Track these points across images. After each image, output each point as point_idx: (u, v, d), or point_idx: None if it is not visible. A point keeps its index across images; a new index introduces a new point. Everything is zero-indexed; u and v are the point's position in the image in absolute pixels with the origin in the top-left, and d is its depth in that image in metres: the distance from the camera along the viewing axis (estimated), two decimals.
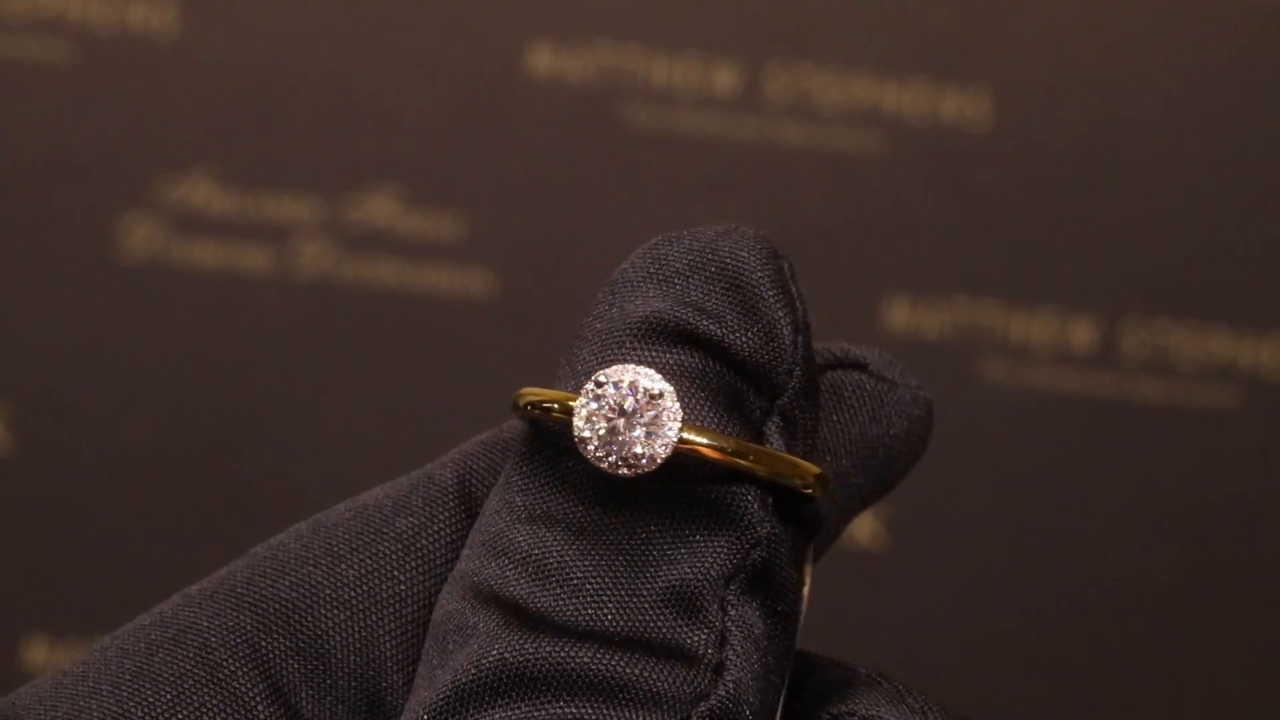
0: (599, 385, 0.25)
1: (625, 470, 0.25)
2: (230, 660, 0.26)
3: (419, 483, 0.27)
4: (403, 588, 0.26)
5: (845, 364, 0.28)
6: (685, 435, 0.25)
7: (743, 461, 0.25)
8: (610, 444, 0.25)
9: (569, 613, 0.24)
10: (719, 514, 0.25)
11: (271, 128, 0.74)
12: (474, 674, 0.24)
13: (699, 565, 0.25)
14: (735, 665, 0.24)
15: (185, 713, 0.25)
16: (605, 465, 0.25)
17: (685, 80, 0.74)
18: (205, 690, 0.25)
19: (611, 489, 0.25)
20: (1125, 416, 0.74)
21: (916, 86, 0.74)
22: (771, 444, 0.26)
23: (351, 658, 0.26)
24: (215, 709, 0.25)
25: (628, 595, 0.24)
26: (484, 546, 0.25)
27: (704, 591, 0.24)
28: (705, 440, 0.25)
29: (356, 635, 0.26)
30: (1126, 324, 0.74)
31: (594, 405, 0.25)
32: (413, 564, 0.27)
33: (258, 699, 0.26)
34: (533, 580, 0.25)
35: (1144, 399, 0.74)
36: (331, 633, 0.26)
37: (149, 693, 0.25)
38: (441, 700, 0.24)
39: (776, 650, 0.25)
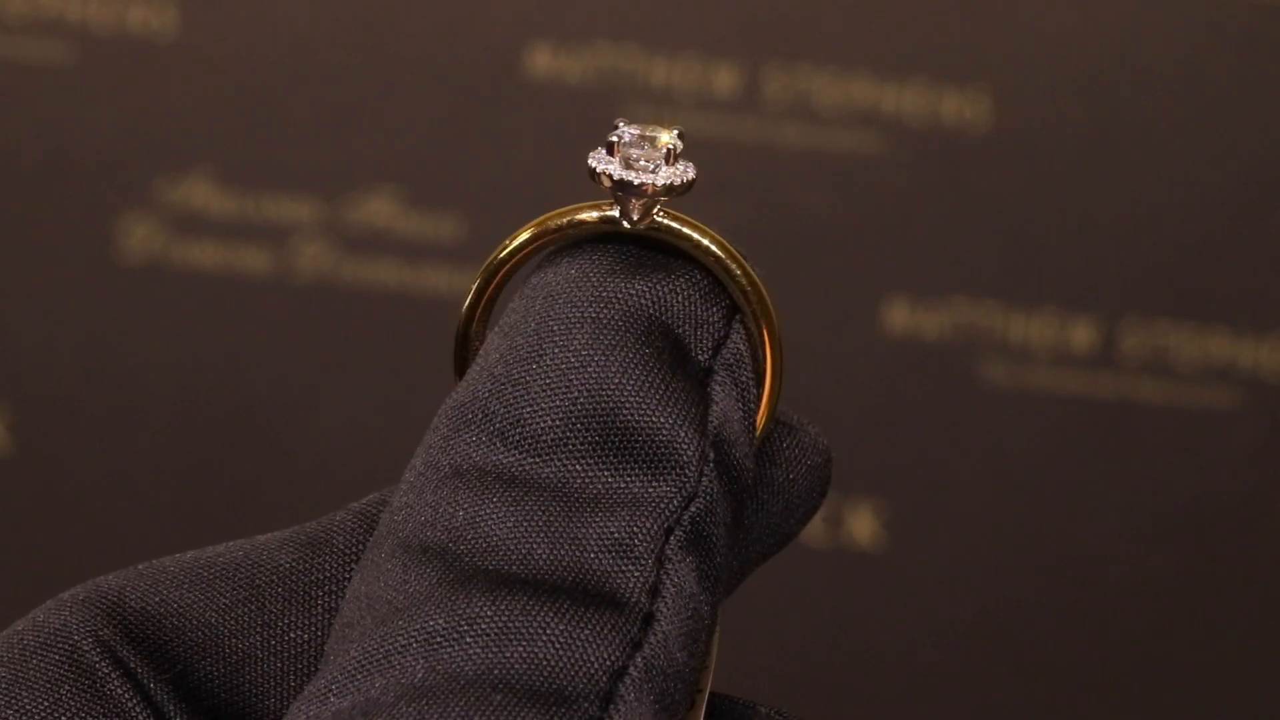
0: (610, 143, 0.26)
1: (641, 178, 0.26)
2: (102, 664, 0.26)
3: (310, 527, 0.27)
4: (274, 616, 0.26)
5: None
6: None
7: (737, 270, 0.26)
8: (629, 168, 0.26)
9: (500, 554, 0.24)
10: (658, 460, 0.25)
11: (271, 128, 0.74)
12: (404, 630, 0.23)
13: (635, 511, 0.24)
14: (665, 618, 0.24)
15: (63, 718, 0.25)
16: (628, 176, 0.26)
17: (684, 81, 0.74)
18: (80, 697, 0.25)
19: (547, 438, 0.25)
20: (1125, 417, 0.74)
21: (916, 87, 0.74)
22: (718, 407, 0.25)
23: (216, 681, 0.26)
24: (92, 714, 0.25)
25: (560, 533, 0.24)
26: (411, 501, 0.25)
27: (639, 538, 0.24)
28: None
29: (222, 659, 0.26)
30: (1126, 325, 0.74)
31: (614, 143, 0.26)
32: (287, 596, 0.26)
33: (134, 701, 0.25)
34: (464, 527, 0.24)
35: (1144, 400, 0.74)
36: (194, 654, 0.26)
37: (26, 700, 0.25)
38: (370, 660, 0.23)
39: (704, 612, 0.24)
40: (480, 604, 0.23)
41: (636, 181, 0.26)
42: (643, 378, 0.25)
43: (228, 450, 0.73)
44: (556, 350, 0.25)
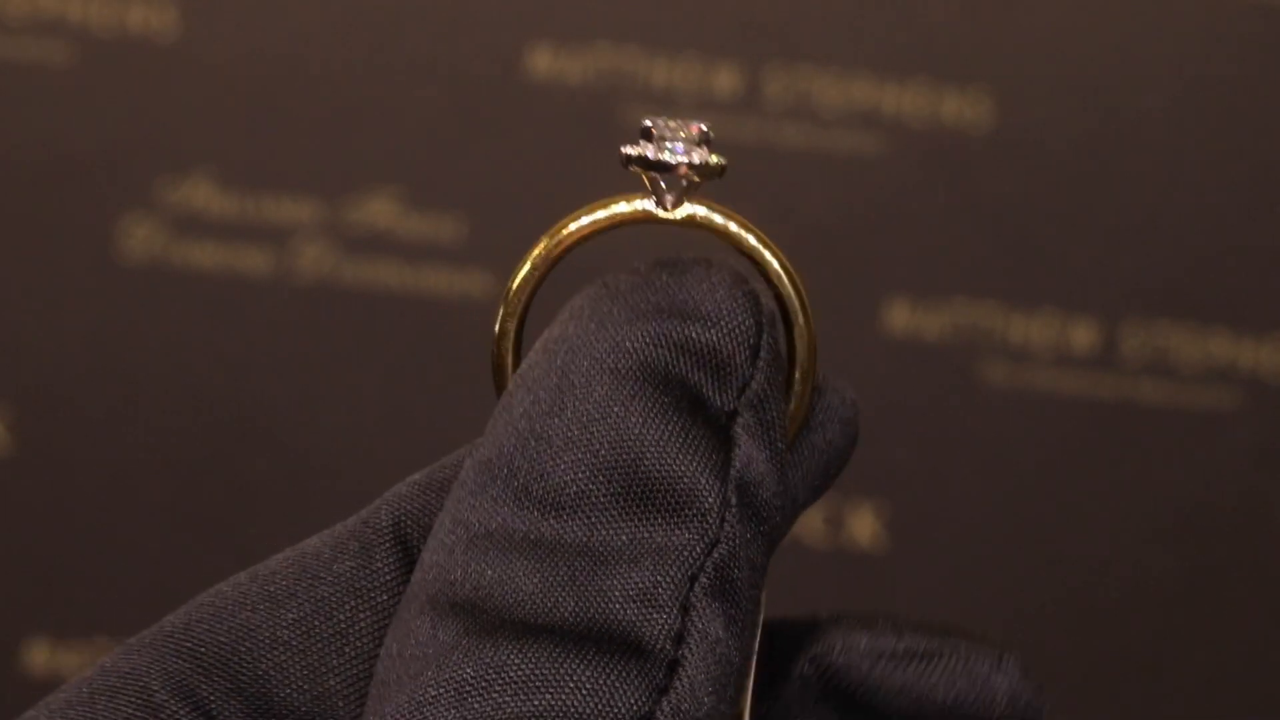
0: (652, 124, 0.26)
1: (681, 158, 0.26)
2: (170, 702, 0.26)
3: (354, 528, 0.27)
4: (344, 625, 0.26)
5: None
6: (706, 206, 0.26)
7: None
8: (663, 149, 0.26)
9: (527, 607, 0.24)
10: (680, 508, 0.25)
11: (271, 129, 0.74)
12: (434, 682, 0.24)
13: (659, 560, 0.24)
14: (691, 664, 0.24)
15: None
16: (663, 154, 0.26)
17: (685, 82, 0.74)
18: None
19: (570, 493, 0.25)
20: (1125, 418, 0.74)
21: (916, 88, 0.74)
22: (742, 449, 0.26)
23: (296, 696, 0.26)
24: None
25: (585, 586, 0.24)
26: (441, 560, 0.25)
27: (664, 587, 0.24)
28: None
29: (300, 673, 0.26)
30: (1127, 326, 0.74)
31: (653, 133, 0.26)
32: (353, 603, 0.27)
33: None
34: (492, 585, 0.24)
35: (1144, 401, 0.74)
36: (273, 673, 0.26)
37: None
38: (400, 712, 0.24)
39: (733, 657, 0.25)
40: (508, 653, 0.24)
41: (672, 161, 0.26)
42: (663, 427, 0.25)
43: (228, 450, 0.73)
44: (577, 403, 0.25)
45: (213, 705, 0.26)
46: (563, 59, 0.74)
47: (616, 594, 0.24)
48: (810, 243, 0.73)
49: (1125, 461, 0.74)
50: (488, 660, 0.24)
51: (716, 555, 0.25)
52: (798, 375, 0.27)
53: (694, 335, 0.26)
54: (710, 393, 0.26)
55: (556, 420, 0.25)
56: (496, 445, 0.26)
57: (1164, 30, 0.74)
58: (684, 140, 0.26)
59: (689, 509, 0.25)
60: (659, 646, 0.24)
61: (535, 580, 0.24)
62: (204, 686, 0.26)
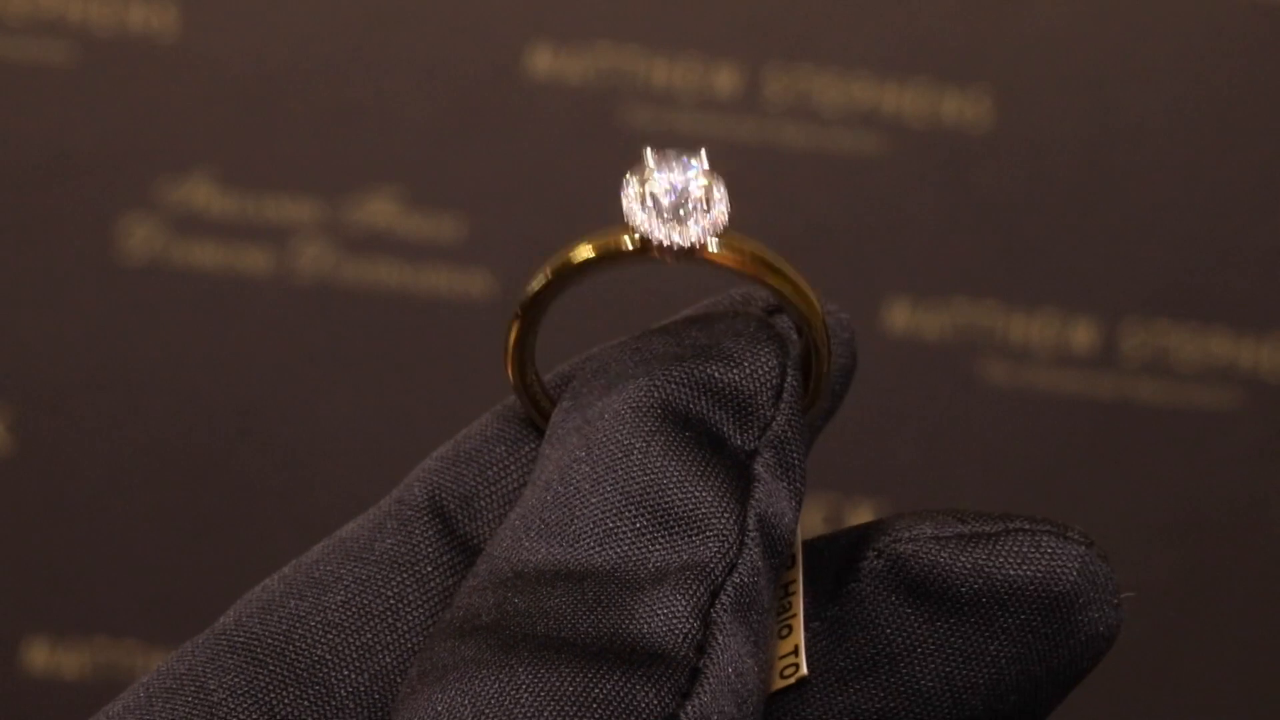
0: (651, 166, 0.25)
1: (678, 238, 0.25)
2: (229, 699, 0.26)
3: (389, 508, 0.28)
4: (393, 601, 0.27)
5: (772, 309, 0.28)
6: (730, 243, 0.26)
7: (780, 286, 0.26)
8: (666, 219, 0.25)
9: (550, 626, 0.24)
10: (702, 533, 0.25)
11: (271, 128, 0.74)
12: (454, 692, 0.24)
13: (682, 579, 0.25)
14: (713, 673, 0.24)
15: None
16: (661, 233, 0.25)
17: (685, 82, 0.74)
18: None
19: (599, 530, 0.25)
20: (1125, 418, 0.74)
21: (916, 87, 0.74)
22: (762, 485, 0.26)
23: (354, 677, 0.26)
24: None
25: (608, 604, 0.24)
26: (473, 602, 0.25)
27: (687, 604, 0.24)
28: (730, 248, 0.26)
29: (354, 654, 0.26)
30: (1127, 325, 0.74)
31: (649, 185, 0.25)
32: (399, 578, 0.27)
33: None
34: (517, 610, 0.25)
35: (1144, 400, 0.74)
36: (328, 657, 0.26)
37: None
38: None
39: (750, 678, 0.25)
40: (529, 664, 0.24)
41: (687, 244, 0.26)
42: (685, 462, 0.25)
43: (228, 450, 0.73)
44: (602, 446, 0.26)
45: (271, 697, 0.26)
46: (563, 59, 0.74)
47: (640, 611, 0.24)
48: (810, 243, 0.73)
49: (1125, 461, 0.74)
50: (508, 671, 0.24)
51: (736, 578, 0.25)
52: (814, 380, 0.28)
53: (716, 375, 0.26)
54: (732, 431, 0.26)
55: (585, 468, 0.26)
56: (530, 503, 0.26)
57: (1164, 30, 0.74)
58: (689, 203, 0.26)
59: (709, 531, 0.25)
60: (681, 654, 0.24)
61: (559, 603, 0.24)
62: (261, 678, 0.26)
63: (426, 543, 0.27)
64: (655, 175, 0.26)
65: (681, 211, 0.26)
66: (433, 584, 0.27)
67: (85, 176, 0.73)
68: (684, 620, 0.24)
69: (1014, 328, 0.74)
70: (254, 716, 0.26)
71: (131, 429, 0.73)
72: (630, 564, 0.25)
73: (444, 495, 0.27)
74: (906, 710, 0.27)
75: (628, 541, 0.25)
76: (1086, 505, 0.74)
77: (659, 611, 0.24)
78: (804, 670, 0.27)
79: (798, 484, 0.26)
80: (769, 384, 0.26)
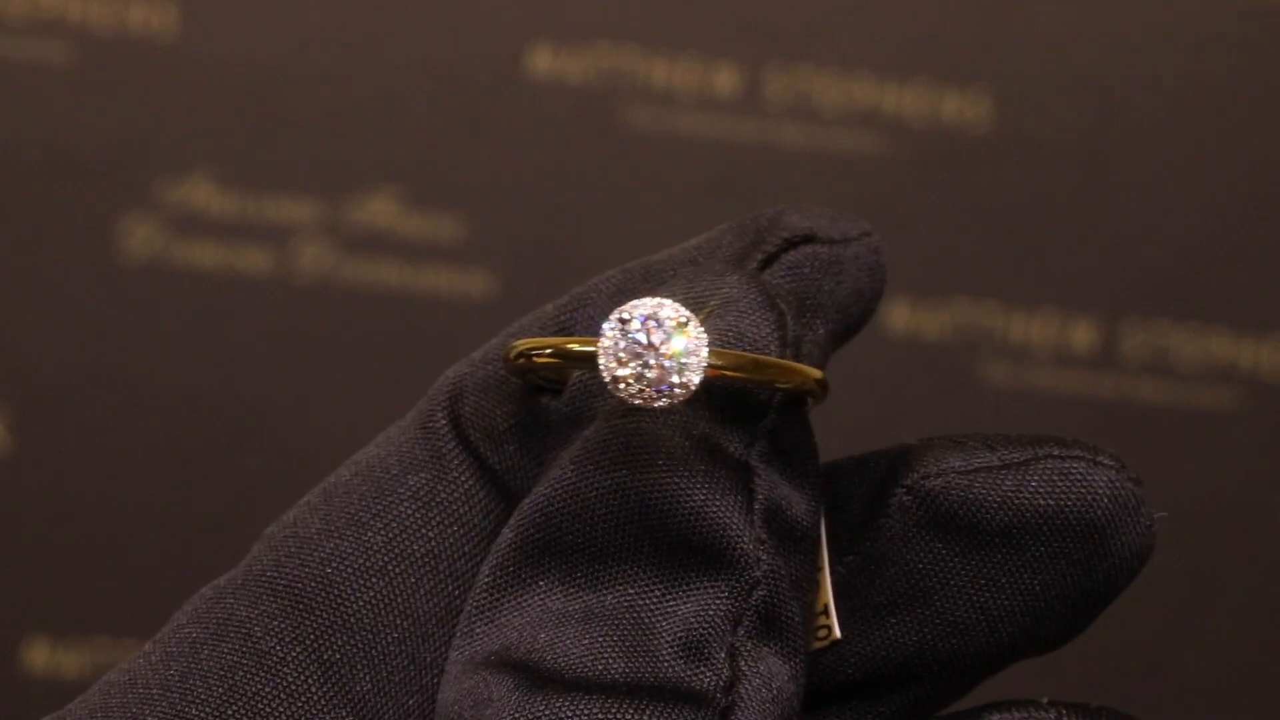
0: (623, 321, 0.25)
1: (662, 401, 0.25)
2: (278, 647, 0.26)
3: (415, 435, 0.27)
4: (433, 544, 0.26)
5: (794, 241, 0.28)
6: (713, 362, 0.25)
7: (758, 376, 0.25)
8: (641, 377, 0.25)
9: (577, 668, 0.24)
10: (715, 558, 0.25)
11: (271, 129, 0.74)
12: None
13: (702, 613, 0.24)
14: (744, 707, 0.24)
15: (239, 706, 0.25)
16: (639, 400, 0.25)
17: (685, 82, 0.74)
18: (257, 680, 0.25)
19: (613, 554, 0.25)
20: (1125, 417, 0.74)
21: (916, 87, 0.74)
22: (760, 476, 0.26)
23: (398, 622, 0.26)
24: (269, 698, 0.25)
25: (633, 647, 0.24)
26: (485, 621, 0.25)
27: (710, 638, 0.24)
28: (727, 364, 0.25)
29: (397, 601, 0.26)
30: (1127, 325, 0.74)
31: (620, 341, 0.25)
32: (436, 519, 0.26)
33: (311, 683, 0.25)
34: (542, 647, 0.24)
35: (1144, 400, 0.74)
36: (373, 602, 0.26)
37: (200, 690, 0.25)
38: None
39: (788, 691, 0.25)
40: (560, 705, 0.24)
41: (664, 404, 0.25)
42: (687, 474, 0.25)
43: (228, 450, 0.73)
44: (608, 461, 0.26)
45: (319, 643, 0.26)
46: (563, 59, 0.74)
47: (665, 652, 0.24)
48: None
49: (1125, 460, 0.74)
50: (540, 713, 0.24)
51: (757, 598, 0.25)
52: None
53: (708, 383, 0.26)
54: (729, 432, 0.26)
55: (595, 478, 0.25)
56: (537, 504, 0.26)
57: (1164, 31, 0.74)
58: (655, 353, 0.25)
59: (724, 557, 0.25)
60: (711, 697, 0.24)
61: (584, 644, 0.24)
62: (307, 624, 0.26)
63: (462, 478, 0.27)
64: (621, 350, 0.25)
65: (655, 381, 0.25)
66: (470, 524, 0.27)
67: (85, 177, 0.73)
68: (709, 663, 0.24)
69: (1014, 328, 0.74)
70: (303, 663, 0.25)
71: (131, 429, 0.73)
72: (645, 596, 0.25)
73: (467, 426, 0.27)
74: (944, 641, 0.27)
75: (642, 565, 0.25)
76: None
77: (683, 653, 0.24)
78: (837, 633, 0.27)
79: (801, 461, 0.26)
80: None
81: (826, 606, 0.27)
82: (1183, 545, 0.74)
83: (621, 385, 0.25)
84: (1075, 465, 0.27)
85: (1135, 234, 0.74)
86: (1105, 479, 0.28)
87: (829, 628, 0.27)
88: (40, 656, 0.73)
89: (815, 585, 0.26)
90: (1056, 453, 0.27)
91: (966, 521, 0.27)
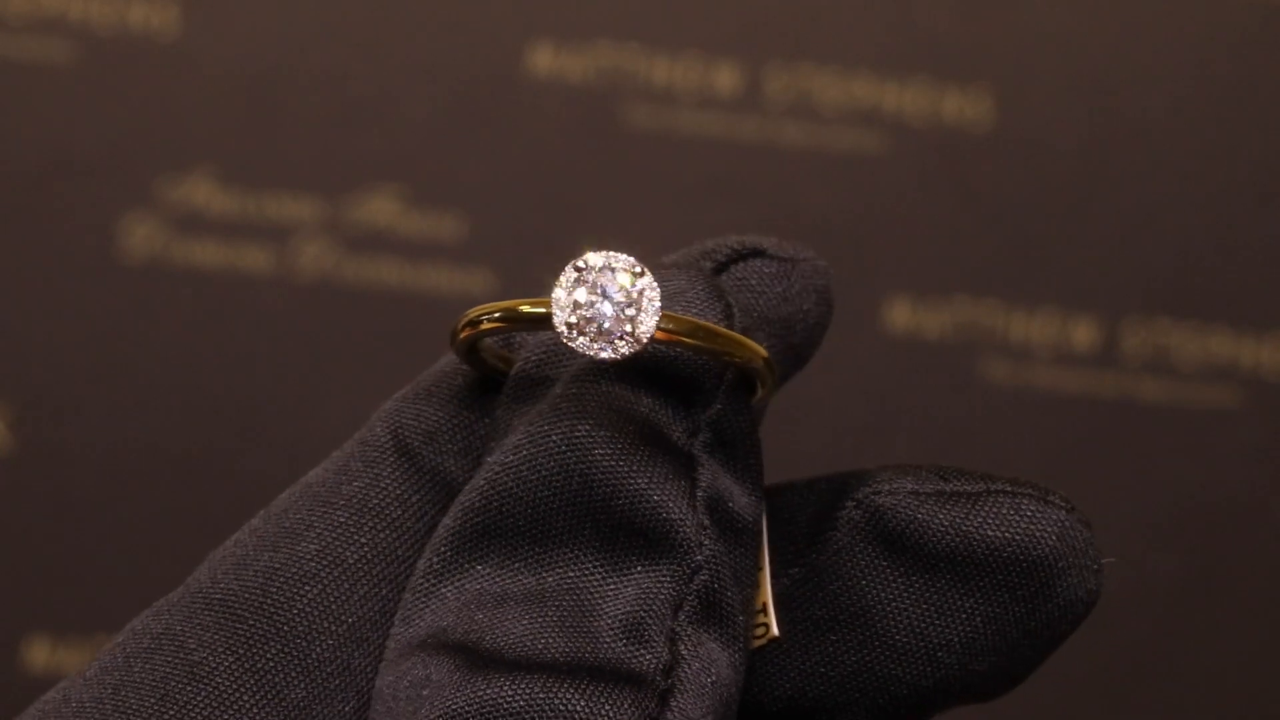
0: (578, 269, 0.26)
1: (609, 354, 0.25)
2: (210, 657, 0.26)
3: (354, 449, 0.27)
4: (366, 549, 0.26)
5: (744, 254, 0.28)
6: (665, 325, 0.25)
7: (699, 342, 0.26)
8: (593, 322, 0.25)
9: (518, 648, 0.24)
10: (657, 542, 0.25)
11: (272, 128, 0.74)
12: (427, 716, 0.24)
13: (643, 595, 0.25)
14: (682, 692, 0.24)
15: (170, 715, 0.25)
16: (591, 350, 0.25)
17: (686, 80, 0.74)
18: (188, 690, 0.25)
19: (554, 537, 0.25)
20: (1126, 416, 0.74)
21: (917, 86, 0.74)
22: (704, 467, 0.26)
23: (331, 628, 0.26)
24: (200, 706, 0.25)
25: (574, 628, 0.24)
26: (423, 604, 0.25)
27: (650, 620, 0.24)
28: (677, 326, 0.25)
29: (330, 606, 0.26)
30: (1127, 324, 0.74)
31: (575, 289, 0.25)
32: (369, 524, 0.27)
33: (243, 692, 0.25)
34: (481, 627, 0.24)
35: (1145, 399, 0.74)
36: (306, 610, 0.26)
37: (133, 701, 0.25)
38: None
39: (727, 677, 0.25)
40: (501, 686, 0.24)
41: (620, 352, 0.26)
42: (630, 458, 0.25)
43: (228, 449, 0.73)
44: (551, 444, 0.26)
45: (251, 651, 0.26)
46: (563, 57, 0.74)
47: (605, 633, 0.24)
48: (811, 242, 0.73)
49: (1126, 459, 0.74)
50: (481, 693, 0.24)
51: (698, 583, 0.25)
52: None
53: (659, 368, 0.26)
54: (673, 419, 0.26)
55: (538, 462, 0.25)
56: (478, 488, 0.26)
57: (1164, 30, 0.74)
58: (612, 306, 0.26)
59: (665, 541, 0.25)
60: (650, 679, 0.24)
61: (524, 624, 0.24)
62: (240, 633, 0.26)
63: (395, 483, 0.27)
64: (577, 299, 0.26)
65: (609, 331, 0.26)
66: (404, 528, 0.27)
67: (86, 176, 0.73)
68: (649, 645, 0.24)
69: (1015, 327, 0.74)
70: (235, 672, 0.25)
71: (131, 429, 0.73)
72: (587, 579, 0.25)
73: (406, 432, 0.27)
74: (881, 665, 0.27)
75: (583, 548, 0.25)
76: (1087, 503, 0.74)
77: (623, 634, 0.24)
78: (774, 631, 0.27)
79: (745, 457, 0.26)
80: (709, 370, 0.27)
81: (765, 605, 0.27)
82: (1183, 545, 0.74)
83: (575, 334, 0.25)
84: (1026, 503, 0.27)
85: (1136, 233, 0.74)
86: (1055, 518, 0.27)
87: (767, 625, 0.27)
88: (41, 655, 0.73)
89: (755, 582, 0.27)
90: (1009, 489, 0.27)
91: (912, 541, 0.27)
